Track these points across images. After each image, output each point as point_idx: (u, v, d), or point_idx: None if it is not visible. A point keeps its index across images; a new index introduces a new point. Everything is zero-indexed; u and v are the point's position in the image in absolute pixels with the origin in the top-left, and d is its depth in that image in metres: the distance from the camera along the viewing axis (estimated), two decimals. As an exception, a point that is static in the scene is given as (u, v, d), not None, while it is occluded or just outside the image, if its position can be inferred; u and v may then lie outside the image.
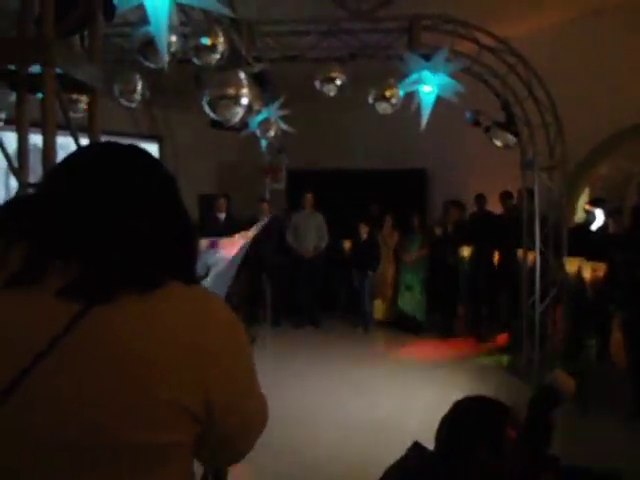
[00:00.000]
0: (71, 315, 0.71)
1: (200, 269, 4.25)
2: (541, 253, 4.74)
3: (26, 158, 1.90)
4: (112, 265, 0.76)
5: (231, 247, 4.24)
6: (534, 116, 4.80)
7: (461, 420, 1.29)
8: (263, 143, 7.07)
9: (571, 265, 4.56)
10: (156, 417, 0.72)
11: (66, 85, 1.94)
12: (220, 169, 9.11)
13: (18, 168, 1.93)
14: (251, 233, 4.37)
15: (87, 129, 1.98)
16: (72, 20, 1.89)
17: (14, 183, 6.78)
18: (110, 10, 2.42)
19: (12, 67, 1.98)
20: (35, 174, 2.02)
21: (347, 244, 7.26)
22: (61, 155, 0.92)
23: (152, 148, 8.25)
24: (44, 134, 1.72)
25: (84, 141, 2.05)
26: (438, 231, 6.58)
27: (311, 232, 7.09)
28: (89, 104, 1.98)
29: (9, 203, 0.84)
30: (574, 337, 4.88)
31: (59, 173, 0.83)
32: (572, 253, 4.72)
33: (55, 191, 0.81)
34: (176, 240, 0.85)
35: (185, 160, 8.53)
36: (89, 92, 1.99)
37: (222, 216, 7.01)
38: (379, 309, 7.14)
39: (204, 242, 4.22)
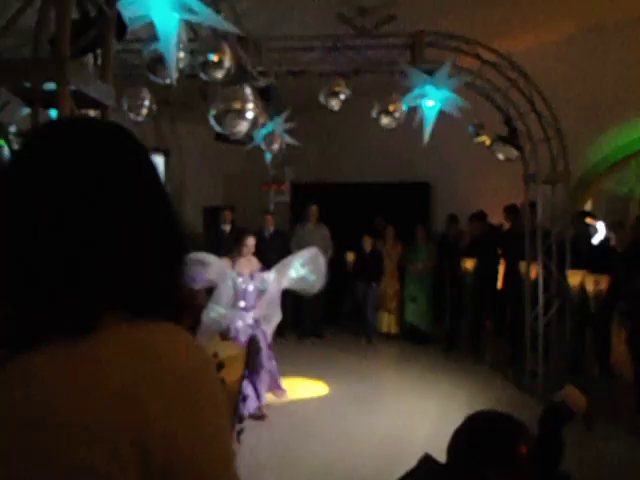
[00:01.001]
0: None
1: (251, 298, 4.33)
2: (544, 266, 4.76)
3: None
4: (36, 303, 0.60)
5: (282, 271, 4.41)
6: (536, 130, 4.86)
7: (474, 435, 1.27)
8: (268, 156, 7.15)
9: (574, 278, 4.58)
10: None
11: (79, 101, 2.00)
12: (225, 181, 9.20)
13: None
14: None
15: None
16: (86, 40, 1.96)
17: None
18: (121, 29, 2.49)
19: (27, 84, 2.05)
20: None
21: (351, 256, 7.30)
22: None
23: (159, 161, 8.35)
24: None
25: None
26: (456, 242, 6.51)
27: (316, 244, 7.11)
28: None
29: None
30: (577, 350, 4.88)
31: None
32: (574, 266, 4.74)
33: None
34: (151, 264, 0.66)
35: (191, 173, 8.63)
36: (101, 108, 2.06)
37: (227, 228, 7.08)
38: (383, 321, 7.15)
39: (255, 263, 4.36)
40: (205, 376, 0.64)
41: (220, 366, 1.89)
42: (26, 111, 3.65)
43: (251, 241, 4.48)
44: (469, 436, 1.26)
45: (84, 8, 2.15)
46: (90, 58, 2.18)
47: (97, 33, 2.01)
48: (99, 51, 2.12)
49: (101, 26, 2.05)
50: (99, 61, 2.14)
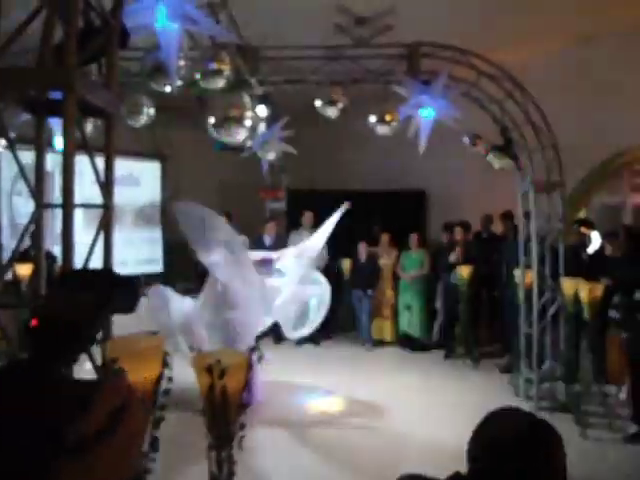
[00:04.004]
0: None
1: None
2: (538, 273, 4.81)
3: (43, 179, 1.97)
4: None
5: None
6: (532, 140, 4.92)
7: (494, 437, 1.15)
8: (264, 163, 7.18)
9: (568, 286, 4.62)
10: None
11: (83, 110, 2.02)
12: (221, 188, 9.21)
13: (35, 189, 2.00)
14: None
15: (104, 150, 2.07)
16: (91, 49, 1.98)
17: (17, 201, 6.77)
18: (124, 38, 2.52)
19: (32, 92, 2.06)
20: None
21: (346, 264, 7.31)
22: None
23: (155, 167, 8.36)
24: (64, 155, 1.80)
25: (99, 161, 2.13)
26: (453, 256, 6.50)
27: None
28: (105, 127, 2.07)
29: None
30: (572, 357, 4.92)
31: None
32: (568, 273, 4.79)
33: None
34: None
35: (187, 179, 8.62)
36: (105, 116, 2.07)
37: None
38: (378, 328, 7.16)
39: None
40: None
41: (222, 374, 1.91)
42: (25, 117, 3.66)
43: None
44: (490, 438, 1.12)
45: (88, 18, 2.17)
46: (94, 67, 2.20)
47: (102, 42, 2.03)
48: (103, 60, 2.15)
49: (105, 35, 2.07)
50: (103, 70, 2.16)
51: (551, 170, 4.95)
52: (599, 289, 4.37)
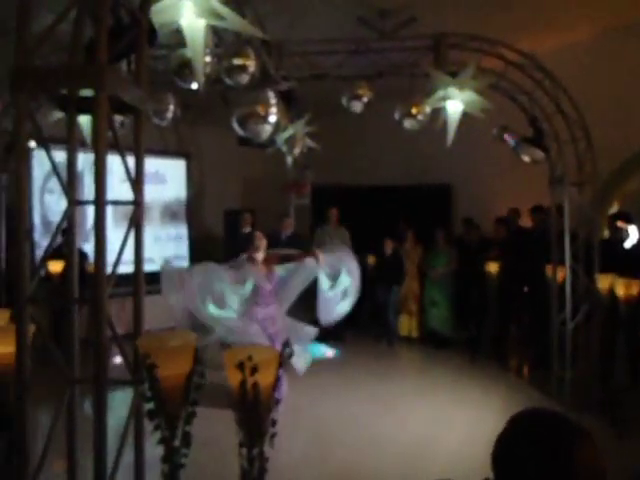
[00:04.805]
0: None
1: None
2: (572, 269, 4.67)
3: (75, 176, 1.99)
4: None
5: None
6: (562, 131, 4.78)
7: (517, 439, 1.11)
8: (289, 159, 7.17)
9: (603, 282, 4.48)
10: None
11: (113, 107, 2.03)
12: (246, 185, 9.26)
13: (68, 186, 2.02)
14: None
15: (133, 146, 2.08)
16: (120, 47, 1.99)
17: (48, 199, 6.95)
18: (151, 36, 2.52)
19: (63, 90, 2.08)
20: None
21: (371, 259, 7.27)
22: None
23: (180, 164, 8.45)
24: (96, 153, 1.81)
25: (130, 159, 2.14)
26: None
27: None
28: (135, 124, 2.08)
29: None
30: (607, 356, 4.77)
31: None
32: (603, 269, 4.64)
33: None
34: None
35: (212, 176, 8.69)
36: (135, 113, 2.08)
37: (247, 231, 7.10)
38: (404, 325, 7.10)
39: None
40: None
41: (254, 370, 1.90)
42: (57, 116, 3.73)
43: (260, 241, 4.53)
44: (516, 444, 1.14)
45: (117, 15, 2.18)
46: (123, 64, 2.21)
47: (131, 39, 2.04)
48: (132, 57, 2.15)
49: (135, 32, 2.07)
50: (132, 67, 2.17)
51: (583, 161, 4.80)
52: (636, 285, 4.22)
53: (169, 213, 8.30)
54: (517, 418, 1.14)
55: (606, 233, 5.16)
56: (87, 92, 1.98)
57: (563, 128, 4.77)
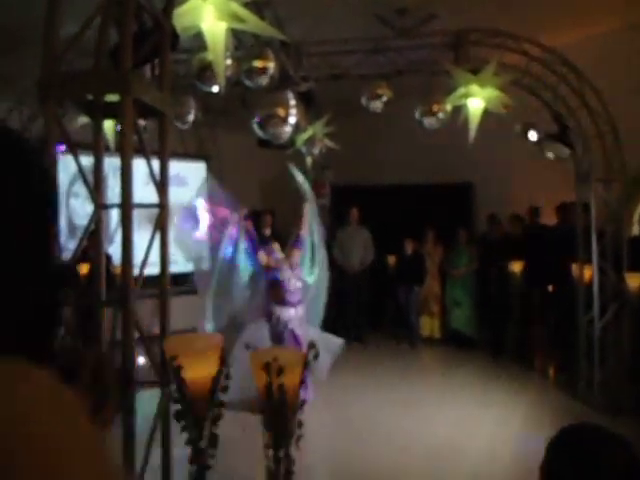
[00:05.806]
0: None
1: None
2: (600, 268, 4.56)
3: (102, 180, 2.02)
4: None
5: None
6: (588, 126, 4.67)
7: (576, 459, 1.07)
8: (308, 159, 7.17)
9: (632, 280, 4.37)
10: None
11: (138, 111, 2.05)
12: (265, 186, 9.29)
13: (94, 189, 2.05)
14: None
15: (159, 150, 2.10)
16: (144, 51, 2.01)
17: (74, 203, 7.08)
18: (173, 40, 2.55)
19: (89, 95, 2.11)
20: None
21: (392, 260, 7.22)
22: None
23: (200, 167, 8.52)
24: (122, 157, 1.83)
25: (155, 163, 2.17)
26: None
27: (357, 247, 7.10)
28: (160, 128, 2.10)
29: None
30: (637, 357, 4.64)
31: None
32: (632, 268, 4.52)
33: None
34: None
35: (231, 178, 8.73)
36: (160, 117, 2.10)
37: (267, 232, 7.13)
38: (426, 325, 7.04)
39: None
40: (21, 429, 0.45)
41: (280, 371, 1.90)
42: (82, 121, 3.79)
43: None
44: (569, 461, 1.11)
45: (141, 20, 2.20)
46: (147, 69, 2.24)
47: (154, 43, 2.06)
48: (156, 61, 2.17)
49: (158, 37, 2.09)
50: (156, 71, 2.19)
51: (610, 157, 4.68)
52: (667, 283, 4.11)
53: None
54: (568, 432, 1.14)
55: (635, 230, 5.03)
56: (112, 97, 2.01)
57: (588, 123, 4.66)
